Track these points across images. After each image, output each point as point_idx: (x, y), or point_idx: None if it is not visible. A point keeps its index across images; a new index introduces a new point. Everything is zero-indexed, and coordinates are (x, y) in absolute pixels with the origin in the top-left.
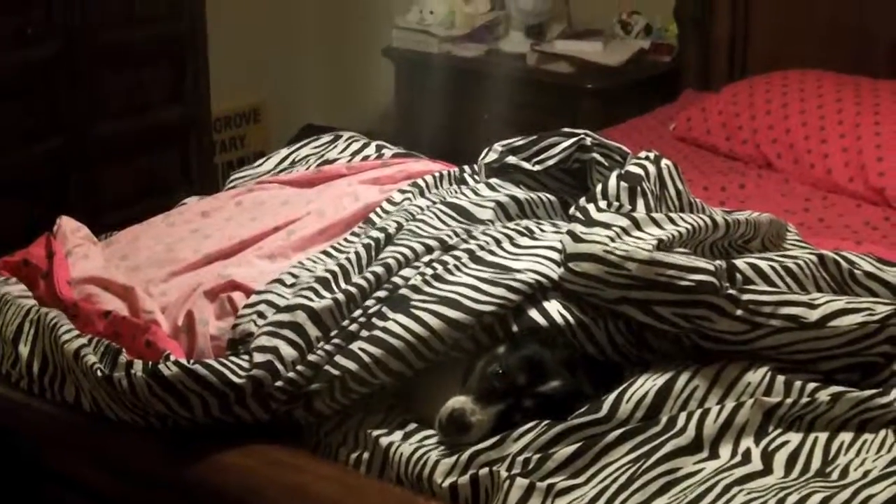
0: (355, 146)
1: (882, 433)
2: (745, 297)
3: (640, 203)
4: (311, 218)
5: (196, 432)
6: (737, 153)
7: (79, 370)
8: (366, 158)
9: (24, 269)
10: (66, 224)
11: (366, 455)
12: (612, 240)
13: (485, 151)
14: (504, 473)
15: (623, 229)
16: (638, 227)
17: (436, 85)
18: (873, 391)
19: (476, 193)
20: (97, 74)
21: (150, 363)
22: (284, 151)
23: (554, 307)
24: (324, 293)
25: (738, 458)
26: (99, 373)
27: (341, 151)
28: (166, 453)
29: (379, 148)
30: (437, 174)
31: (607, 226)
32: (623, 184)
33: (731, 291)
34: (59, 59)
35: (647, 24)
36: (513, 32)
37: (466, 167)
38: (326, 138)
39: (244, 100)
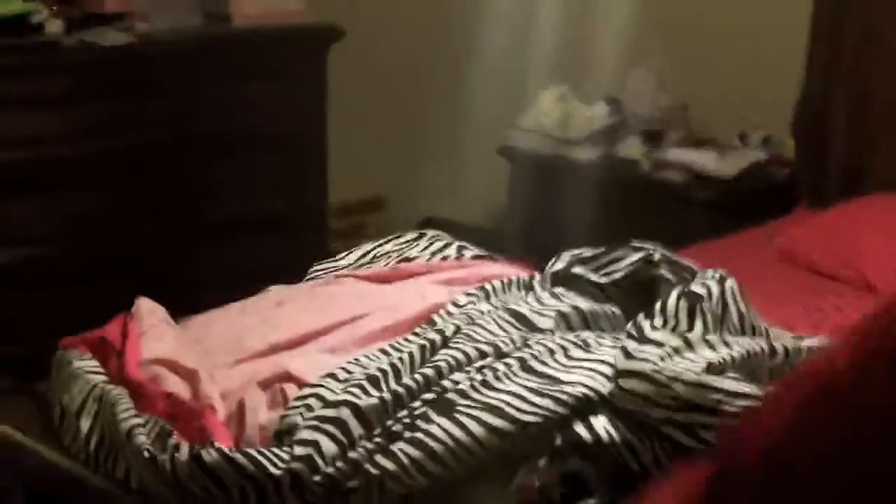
0: (437, 245)
1: None
2: None
3: (699, 323)
4: (378, 315)
5: None
6: (838, 275)
7: (129, 448)
8: (445, 258)
9: (100, 346)
10: (144, 305)
11: None
12: (663, 359)
13: (553, 260)
14: None
15: (675, 349)
16: (690, 347)
17: (548, 186)
18: None
19: (539, 302)
20: (212, 161)
21: (195, 448)
22: (368, 246)
23: (600, 423)
24: (372, 391)
25: None
26: (146, 453)
27: (422, 250)
28: None
29: (460, 249)
30: (505, 280)
31: (659, 344)
32: (683, 302)
33: None
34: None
35: (765, 136)
36: (630, 138)
37: (537, 274)
38: (410, 235)
39: (367, 189)
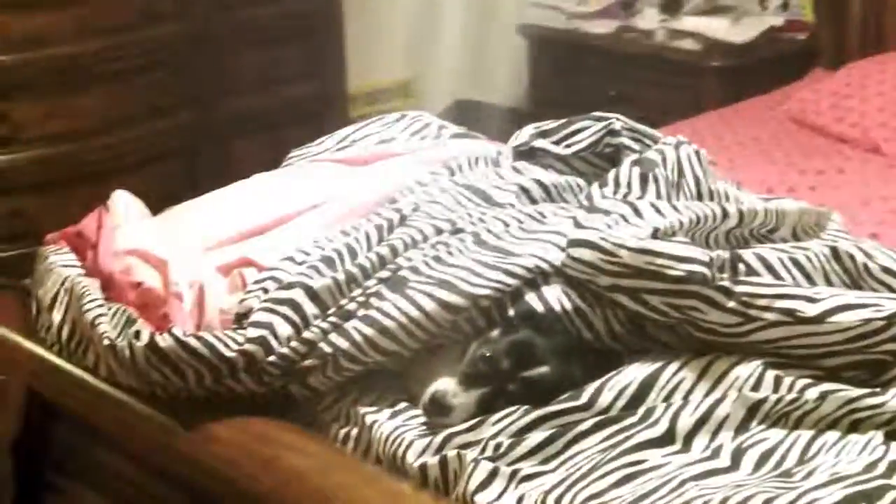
0: (416, 126)
1: (870, 435)
2: (740, 288)
3: (652, 190)
4: (346, 196)
5: (196, 403)
6: (845, 136)
7: (95, 337)
8: (423, 139)
9: (76, 240)
10: (121, 197)
11: (354, 432)
12: (610, 226)
13: (515, 134)
14: (470, 456)
15: (622, 216)
16: (638, 214)
17: (566, 62)
18: (864, 391)
19: (500, 177)
20: (231, 50)
21: (150, 334)
22: (349, 129)
23: (553, 293)
24: (326, 272)
25: (707, 453)
26: (106, 340)
27: (402, 131)
28: (161, 423)
29: (440, 128)
30: (472, 156)
31: (607, 212)
32: (636, 169)
33: (723, 283)
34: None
35: (784, 0)
36: (647, 9)
37: (504, 150)
38: (392, 117)
39: (394, 74)
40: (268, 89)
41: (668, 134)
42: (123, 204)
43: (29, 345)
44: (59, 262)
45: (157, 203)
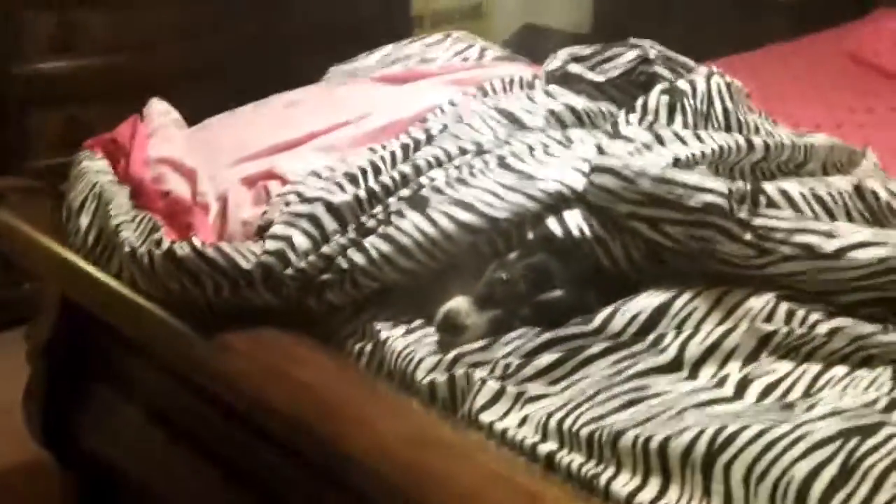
0: (459, 46)
1: (878, 371)
2: (757, 221)
3: (679, 119)
4: (378, 115)
5: (214, 313)
6: None
7: (118, 244)
8: (465, 60)
9: (111, 146)
10: (156, 106)
11: (368, 347)
12: (632, 154)
13: (549, 58)
14: (479, 375)
15: (645, 144)
16: (661, 142)
17: None
18: (876, 327)
19: (531, 100)
20: None
21: (169, 243)
22: (389, 48)
23: (574, 218)
24: (348, 188)
25: (713, 382)
26: (127, 248)
27: (444, 51)
28: (179, 331)
29: (482, 50)
30: (507, 78)
31: (630, 140)
32: (664, 98)
33: (740, 215)
34: None
35: None
36: None
37: (540, 73)
38: (435, 37)
39: None
40: (333, 6)
41: (722, 67)
42: (158, 113)
43: (59, 249)
44: (92, 167)
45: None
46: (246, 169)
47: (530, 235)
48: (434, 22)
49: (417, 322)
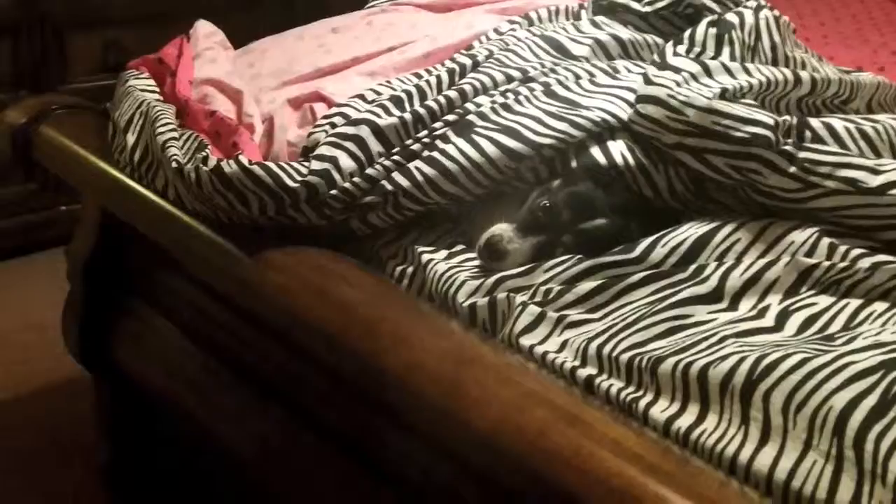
0: None
1: None
2: (802, 154)
3: (726, 51)
4: (423, 41)
5: (258, 231)
6: None
7: (164, 160)
8: None
9: (157, 66)
10: (202, 28)
11: (409, 269)
12: (679, 84)
13: None
14: (519, 299)
15: (692, 75)
16: (708, 73)
17: None
18: None
19: (577, 30)
20: None
21: (217, 160)
22: None
23: (618, 147)
24: (394, 111)
25: (753, 313)
26: (175, 163)
27: None
28: (223, 248)
29: None
30: (553, 8)
31: (677, 70)
32: (711, 30)
33: (786, 147)
34: None
35: None
36: None
37: (587, 3)
38: None
39: None
40: None
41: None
42: (204, 35)
43: (103, 165)
44: (138, 86)
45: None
46: (291, 91)
47: (574, 163)
48: None
49: (459, 246)
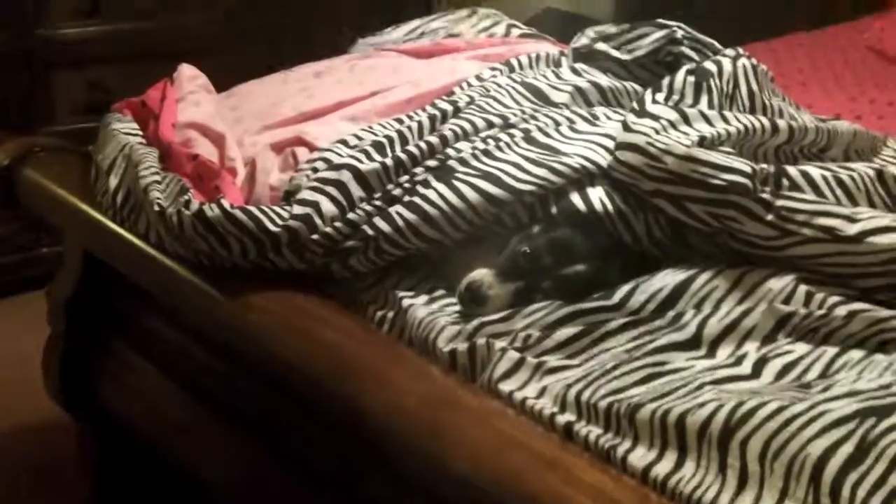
0: (485, 23)
1: (895, 356)
2: (780, 202)
3: (705, 99)
4: (405, 87)
5: (239, 273)
6: None
7: (147, 203)
8: (492, 36)
9: (141, 110)
10: (186, 71)
11: (390, 314)
12: (657, 132)
13: (577, 36)
14: (499, 345)
15: (670, 122)
16: (686, 121)
17: None
18: (893, 312)
19: (557, 77)
20: None
21: (199, 203)
22: (417, 22)
23: (597, 194)
24: (375, 156)
25: (731, 360)
26: (157, 207)
27: (470, 27)
28: (204, 290)
29: (509, 27)
30: (533, 55)
31: (656, 117)
32: (690, 78)
33: (763, 195)
34: None
35: None
36: None
37: (567, 51)
38: (462, 13)
39: None
40: None
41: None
42: (188, 78)
43: (86, 207)
44: (122, 129)
45: (236, 84)
46: (274, 135)
47: (554, 209)
48: (453, 1)
49: (440, 291)
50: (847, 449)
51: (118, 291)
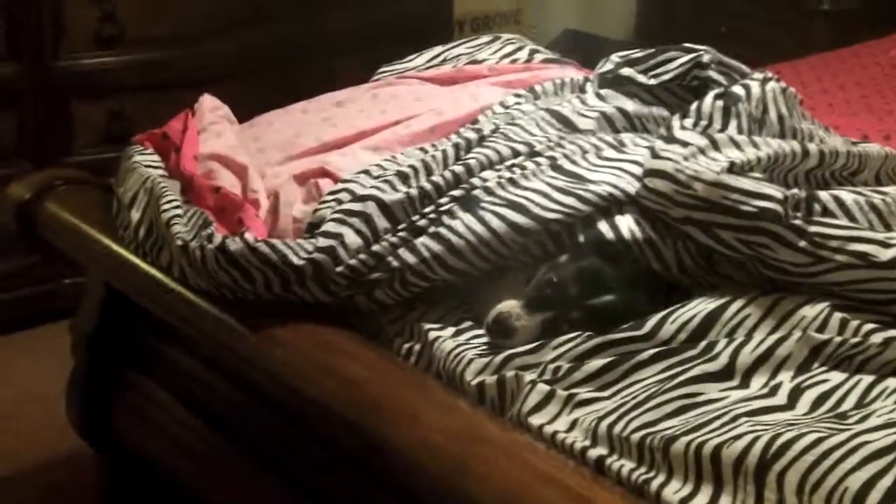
0: (508, 49)
1: None
2: (812, 228)
3: (734, 124)
4: (428, 115)
5: (263, 307)
6: None
7: (169, 237)
8: (514, 62)
9: (162, 142)
10: (207, 102)
11: (417, 347)
12: (686, 158)
13: (602, 61)
14: (528, 377)
15: (700, 149)
16: (716, 147)
17: None
18: None
19: (583, 103)
20: None
21: (222, 237)
22: (439, 49)
23: (625, 222)
24: (400, 187)
25: (765, 391)
26: (180, 241)
27: (493, 53)
28: (228, 325)
29: (532, 52)
30: (558, 81)
31: (685, 144)
32: (718, 103)
33: (795, 221)
34: None
35: None
36: None
37: (592, 77)
38: (484, 39)
39: (505, 2)
40: (374, 6)
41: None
42: (209, 109)
43: (107, 241)
44: (143, 161)
45: (255, 114)
46: (297, 166)
47: (581, 238)
48: (474, 26)
49: (467, 323)
50: (886, 482)
51: (140, 324)
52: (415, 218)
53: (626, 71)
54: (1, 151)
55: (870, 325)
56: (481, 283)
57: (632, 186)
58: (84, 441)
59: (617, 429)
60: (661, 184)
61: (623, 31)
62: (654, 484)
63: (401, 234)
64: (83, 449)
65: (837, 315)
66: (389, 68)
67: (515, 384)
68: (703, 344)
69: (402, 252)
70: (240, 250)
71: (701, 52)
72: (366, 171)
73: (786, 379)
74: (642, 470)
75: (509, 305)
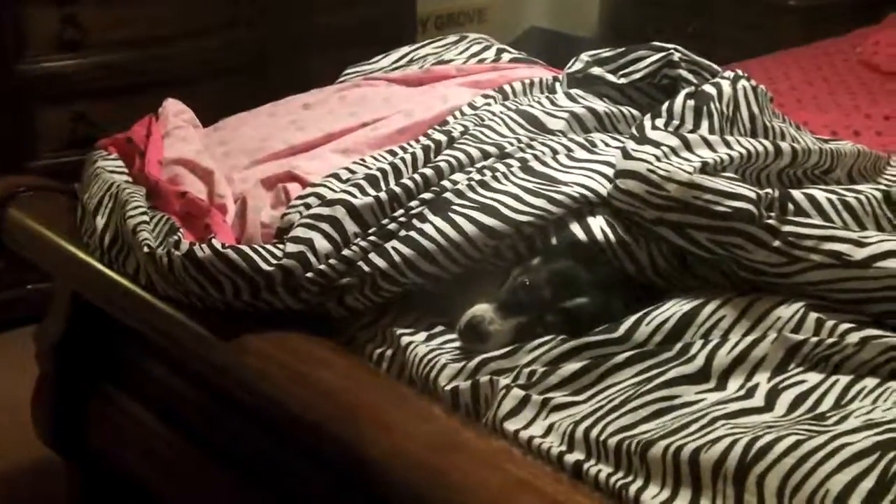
0: (475, 48)
1: None
2: (786, 228)
3: (705, 124)
4: (397, 117)
5: (233, 314)
6: None
7: (136, 244)
8: (482, 62)
9: (126, 146)
10: (171, 106)
11: (389, 352)
12: (658, 159)
13: (572, 61)
14: (503, 382)
15: (672, 149)
16: (688, 147)
17: None
18: None
19: (553, 103)
20: None
21: (189, 243)
22: (405, 49)
23: (598, 223)
24: (369, 190)
25: (741, 393)
26: (146, 248)
27: (460, 53)
28: (197, 333)
29: (499, 52)
30: (527, 81)
31: (657, 144)
32: (690, 102)
33: (769, 221)
34: None
35: None
36: None
37: (562, 76)
38: (450, 39)
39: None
40: (339, 8)
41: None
42: (174, 113)
43: (73, 249)
44: (107, 167)
45: (221, 118)
46: (264, 170)
47: (554, 240)
48: (438, 25)
49: (439, 328)
50: (867, 484)
51: (108, 332)
52: (385, 222)
53: (595, 70)
54: None
55: (846, 325)
56: (453, 287)
57: (603, 188)
58: (51, 450)
59: (594, 433)
60: (633, 185)
61: (587, 28)
62: (633, 489)
63: (371, 238)
64: (51, 457)
65: (813, 315)
66: (356, 69)
67: (490, 389)
68: (678, 346)
69: (373, 256)
70: (207, 257)
71: (671, 51)
72: (335, 175)
73: (763, 380)
74: (620, 474)
75: (482, 309)
